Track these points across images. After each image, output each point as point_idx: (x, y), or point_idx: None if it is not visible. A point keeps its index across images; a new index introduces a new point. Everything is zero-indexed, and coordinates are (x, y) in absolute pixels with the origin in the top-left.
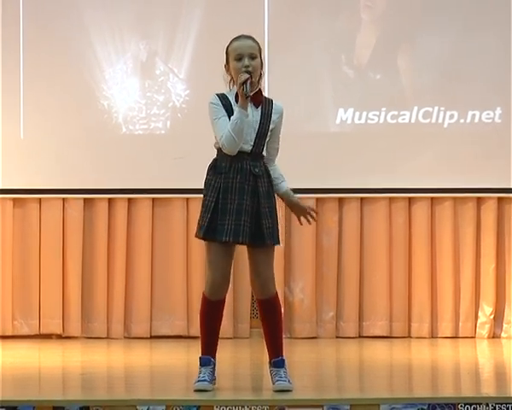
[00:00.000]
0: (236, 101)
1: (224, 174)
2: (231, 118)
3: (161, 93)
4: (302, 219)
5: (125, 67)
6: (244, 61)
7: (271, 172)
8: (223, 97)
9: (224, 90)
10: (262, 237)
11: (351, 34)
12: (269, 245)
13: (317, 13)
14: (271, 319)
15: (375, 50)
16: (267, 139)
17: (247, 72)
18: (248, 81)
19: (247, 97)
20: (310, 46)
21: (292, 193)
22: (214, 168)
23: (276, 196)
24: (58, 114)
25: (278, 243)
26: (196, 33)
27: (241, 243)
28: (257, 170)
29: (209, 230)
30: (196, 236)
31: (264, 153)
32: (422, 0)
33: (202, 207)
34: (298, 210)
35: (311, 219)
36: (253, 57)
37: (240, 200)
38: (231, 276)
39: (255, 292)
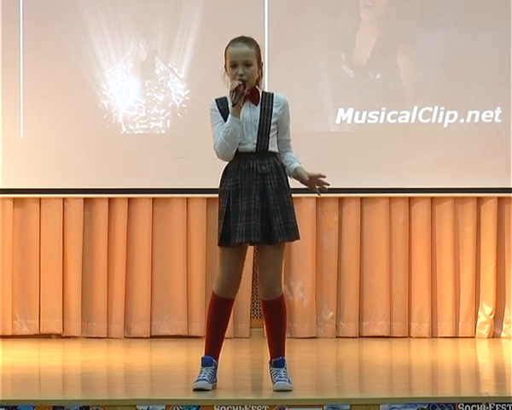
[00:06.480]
0: (233, 104)
1: (233, 178)
2: (224, 125)
3: (161, 93)
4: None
5: (125, 67)
6: (238, 70)
7: (283, 158)
8: (221, 102)
9: (224, 90)
10: (273, 235)
11: (350, 34)
12: (279, 243)
13: (316, 12)
14: (275, 320)
15: (374, 50)
16: (272, 134)
17: (241, 80)
18: (240, 89)
19: (233, 105)
20: (310, 46)
21: (302, 171)
22: (225, 173)
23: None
24: (58, 113)
25: (295, 238)
26: (196, 33)
27: (254, 243)
28: (264, 168)
29: (225, 235)
30: (218, 244)
31: (272, 149)
32: (422, 0)
33: (218, 214)
34: (311, 183)
35: (325, 186)
36: (247, 64)
37: (248, 200)
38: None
39: (260, 293)
